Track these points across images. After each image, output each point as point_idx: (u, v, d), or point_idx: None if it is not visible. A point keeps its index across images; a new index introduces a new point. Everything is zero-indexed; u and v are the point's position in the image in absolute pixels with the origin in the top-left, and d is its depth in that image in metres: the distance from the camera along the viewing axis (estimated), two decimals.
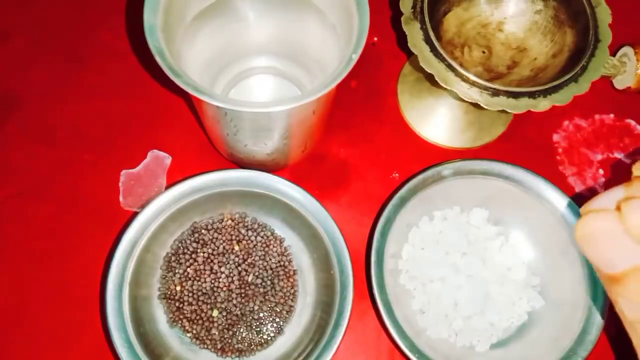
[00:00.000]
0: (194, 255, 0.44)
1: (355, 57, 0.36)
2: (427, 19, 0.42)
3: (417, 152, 0.52)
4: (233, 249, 0.45)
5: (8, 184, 0.49)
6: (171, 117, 0.52)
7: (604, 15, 0.44)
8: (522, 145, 0.53)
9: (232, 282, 0.44)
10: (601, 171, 0.53)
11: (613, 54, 0.52)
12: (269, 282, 0.44)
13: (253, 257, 0.45)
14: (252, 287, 0.44)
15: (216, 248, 0.45)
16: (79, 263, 0.47)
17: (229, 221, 0.46)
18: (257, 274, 0.45)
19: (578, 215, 0.44)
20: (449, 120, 0.52)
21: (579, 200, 0.46)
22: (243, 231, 0.45)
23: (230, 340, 0.43)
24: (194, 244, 0.45)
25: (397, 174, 0.51)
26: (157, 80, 0.53)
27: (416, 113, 0.53)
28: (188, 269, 0.44)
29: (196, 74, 0.45)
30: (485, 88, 0.42)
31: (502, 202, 0.47)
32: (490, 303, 0.45)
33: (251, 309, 0.44)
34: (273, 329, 0.44)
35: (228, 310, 0.44)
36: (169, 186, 0.43)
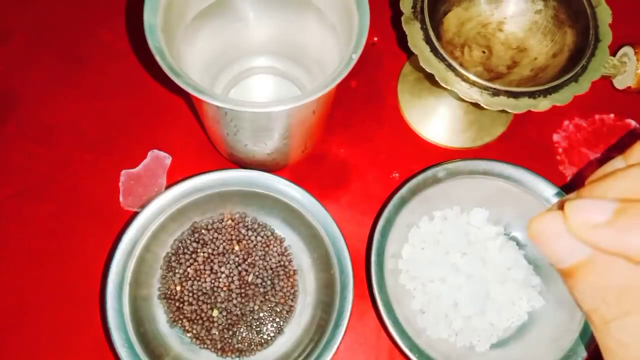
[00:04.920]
0: (194, 255, 0.44)
1: (355, 57, 0.36)
2: (427, 18, 0.42)
3: (417, 152, 0.52)
4: (233, 248, 0.45)
5: (8, 184, 0.49)
6: (171, 117, 0.52)
7: (604, 15, 0.44)
8: (522, 145, 0.53)
9: (232, 282, 0.44)
10: None
11: (613, 54, 0.52)
12: (269, 282, 0.44)
13: (253, 257, 0.45)
14: (252, 287, 0.44)
15: (216, 248, 0.45)
16: (79, 263, 0.47)
17: (229, 221, 0.46)
18: (257, 273, 0.44)
19: None
20: (449, 120, 0.52)
21: None
22: (243, 231, 0.45)
23: (230, 340, 0.43)
24: (194, 244, 0.44)
25: (397, 174, 0.51)
26: (157, 80, 0.53)
27: (416, 113, 0.53)
28: (188, 269, 0.44)
29: (196, 74, 0.44)
30: (485, 88, 0.42)
31: (502, 202, 0.47)
32: (490, 303, 0.45)
33: (251, 309, 0.44)
34: (273, 329, 0.44)
35: (228, 310, 0.44)
36: (169, 186, 0.43)
